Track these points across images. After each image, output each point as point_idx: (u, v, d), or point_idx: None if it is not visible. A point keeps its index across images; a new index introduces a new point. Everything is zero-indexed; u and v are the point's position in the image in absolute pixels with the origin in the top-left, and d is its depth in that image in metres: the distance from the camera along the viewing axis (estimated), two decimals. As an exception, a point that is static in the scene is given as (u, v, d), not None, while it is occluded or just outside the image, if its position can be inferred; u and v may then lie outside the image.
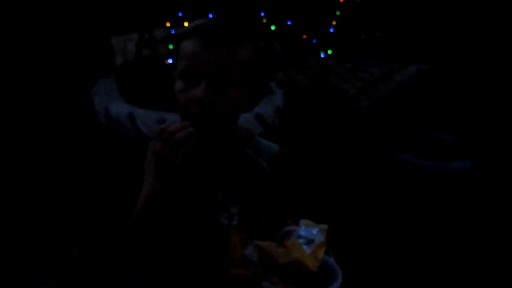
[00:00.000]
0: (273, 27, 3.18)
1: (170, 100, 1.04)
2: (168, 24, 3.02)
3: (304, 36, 3.35)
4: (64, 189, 2.52)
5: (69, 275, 2.10)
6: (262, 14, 3.17)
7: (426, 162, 2.81)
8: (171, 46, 2.93)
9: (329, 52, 3.25)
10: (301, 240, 0.90)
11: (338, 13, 3.32)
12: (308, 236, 0.91)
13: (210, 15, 2.98)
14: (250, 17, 3.16)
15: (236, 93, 0.98)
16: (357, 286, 2.06)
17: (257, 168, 1.05)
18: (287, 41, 3.45)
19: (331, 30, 3.33)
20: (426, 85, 3.60)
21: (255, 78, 1.03)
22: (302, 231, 0.92)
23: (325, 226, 0.92)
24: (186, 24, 2.89)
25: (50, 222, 2.35)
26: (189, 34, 0.98)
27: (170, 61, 2.87)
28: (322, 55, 3.21)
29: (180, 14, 2.99)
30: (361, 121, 3.19)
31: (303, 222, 0.94)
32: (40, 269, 2.12)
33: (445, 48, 3.68)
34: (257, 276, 0.88)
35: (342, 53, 3.60)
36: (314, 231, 0.91)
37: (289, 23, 3.26)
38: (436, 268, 2.25)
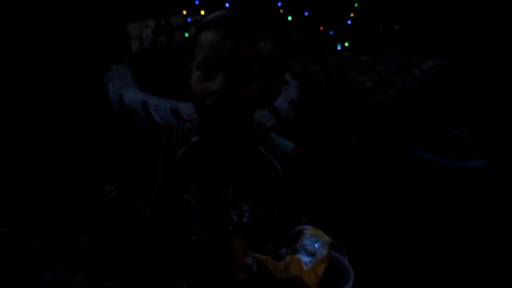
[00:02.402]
0: (290, 18, 3.08)
1: (185, 89, 0.99)
2: (184, 12, 2.95)
3: (321, 28, 3.25)
4: (74, 175, 2.49)
5: (77, 261, 2.07)
6: (279, 4, 3.08)
7: (442, 159, 2.73)
8: (187, 34, 2.85)
9: (346, 44, 3.14)
10: (302, 252, 0.86)
11: (356, 5, 3.20)
12: (310, 249, 0.87)
13: (227, 4, 2.89)
14: (267, 7, 3.06)
15: (254, 87, 0.93)
16: (368, 283, 2.00)
17: (269, 166, 1.00)
18: (303, 32, 3.36)
19: (349, 22, 3.22)
20: (444, 80, 3.48)
21: (275, 73, 0.97)
22: (307, 240, 0.88)
23: (328, 239, 0.88)
24: (202, 12, 2.81)
25: (59, 208, 2.32)
26: (209, 25, 0.93)
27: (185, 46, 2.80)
28: (339, 47, 3.11)
29: (197, 2, 2.91)
30: (376, 115, 3.10)
31: (309, 231, 0.89)
32: (47, 255, 2.09)
33: (465, 43, 3.55)
34: (258, 282, 0.86)
35: (359, 45, 3.49)
36: (317, 244, 0.87)
37: (306, 13, 3.16)
38: (449, 266, 2.17)
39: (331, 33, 3.23)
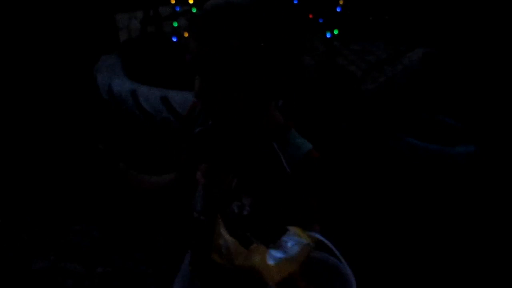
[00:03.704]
0: (279, 6, 3.09)
1: (174, 78, 0.99)
2: (173, 1, 2.95)
3: (310, 16, 3.26)
4: (65, 164, 2.50)
5: (69, 249, 2.10)
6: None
7: (430, 145, 2.77)
8: (175, 24, 2.87)
9: (336, 32, 3.16)
10: (276, 247, 0.83)
11: (345, -7, 3.23)
12: (283, 246, 0.83)
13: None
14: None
15: (252, 89, 0.91)
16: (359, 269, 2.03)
17: (277, 165, 0.96)
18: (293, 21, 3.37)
19: (338, 10, 3.24)
20: (432, 69, 3.52)
21: (274, 69, 0.93)
22: (285, 237, 0.84)
23: (307, 242, 0.84)
24: (191, 0, 2.82)
25: (51, 196, 2.34)
26: (189, 31, 0.95)
27: (174, 39, 2.81)
28: (328, 35, 3.13)
29: (185, -8, 2.92)
30: (366, 103, 3.13)
31: (293, 229, 0.85)
32: (39, 243, 2.11)
33: (453, 32, 3.59)
34: (229, 266, 0.83)
35: (348, 34, 3.51)
36: (290, 243, 0.83)
37: (295, 1, 3.17)
38: (439, 252, 2.22)
39: (320, 21, 3.25)
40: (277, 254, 0.82)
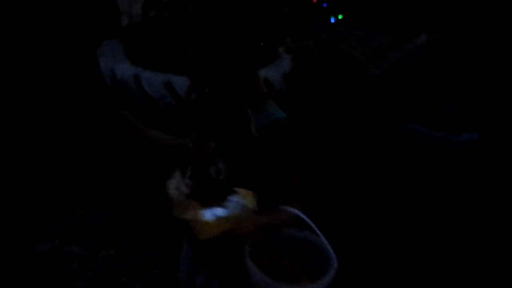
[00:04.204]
0: (282, -9, 3.08)
1: (177, 63, 1.01)
2: (175, -14, 2.93)
3: (315, 0, 3.24)
4: (70, 148, 2.52)
5: (73, 232, 2.11)
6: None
7: (435, 133, 2.76)
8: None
9: (340, 17, 3.14)
10: (215, 207, 0.85)
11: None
12: (226, 205, 0.86)
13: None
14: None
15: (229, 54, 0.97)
16: (359, 260, 2.04)
17: (247, 131, 1.00)
18: (296, 6, 3.35)
19: (342, -5, 3.22)
20: (437, 55, 3.50)
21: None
22: (231, 198, 0.87)
23: (246, 204, 0.86)
24: (193, -15, 2.80)
25: (55, 180, 2.35)
26: None
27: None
28: (333, 20, 3.11)
29: (188, -24, 2.90)
30: (370, 89, 3.12)
31: (240, 191, 0.88)
32: (44, 226, 2.13)
33: (457, 18, 3.56)
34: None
35: (352, 20, 3.49)
36: (232, 204, 0.86)
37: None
38: (442, 239, 2.22)
39: (324, 5, 3.23)
40: (215, 212, 0.84)
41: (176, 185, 0.92)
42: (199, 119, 1.06)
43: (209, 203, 0.86)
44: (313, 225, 0.88)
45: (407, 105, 3.02)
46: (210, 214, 0.84)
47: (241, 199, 0.86)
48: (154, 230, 2.14)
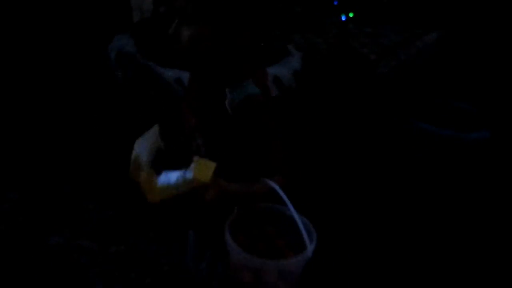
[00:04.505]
0: (293, -12, 3.07)
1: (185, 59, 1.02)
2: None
3: (325, -2, 3.23)
4: (80, 143, 2.53)
5: (84, 226, 2.13)
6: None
7: (444, 131, 2.74)
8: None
9: (351, 15, 3.13)
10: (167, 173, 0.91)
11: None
12: (177, 174, 0.90)
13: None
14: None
15: (239, 36, 0.99)
16: (364, 250, 2.05)
17: (223, 106, 1.02)
18: (306, 4, 3.34)
19: (353, -8, 3.21)
20: (447, 53, 3.48)
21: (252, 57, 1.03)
22: (187, 168, 0.91)
23: (189, 175, 0.90)
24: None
25: (66, 173, 2.37)
26: None
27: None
28: (343, 18, 3.10)
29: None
30: (379, 87, 3.11)
31: (199, 160, 0.91)
32: (55, 220, 2.15)
33: (468, 15, 3.54)
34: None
35: (362, 17, 3.48)
36: (181, 173, 0.90)
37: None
38: (450, 237, 2.22)
39: (335, 3, 3.22)
40: (165, 179, 0.91)
41: (144, 146, 0.96)
42: (188, 96, 1.10)
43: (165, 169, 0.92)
44: (284, 197, 0.91)
45: (416, 103, 3.01)
46: (160, 179, 0.90)
47: (192, 170, 0.90)
48: (162, 226, 2.16)
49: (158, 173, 0.91)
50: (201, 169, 0.90)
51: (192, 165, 0.90)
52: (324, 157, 2.58)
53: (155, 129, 0.99)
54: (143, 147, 0.96)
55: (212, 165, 0.90)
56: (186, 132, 1.09)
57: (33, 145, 2.54)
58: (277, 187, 0.91)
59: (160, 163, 0.93)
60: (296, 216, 0.89)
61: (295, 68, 2.83)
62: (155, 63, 2.57)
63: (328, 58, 3.14)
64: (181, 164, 0.91)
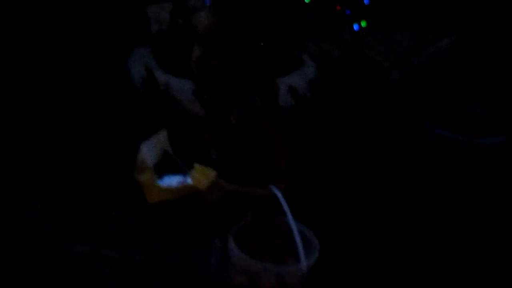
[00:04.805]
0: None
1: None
2: (202, -6, 2.98)
3: (338, 7, 3.26)
4: (103, 153, 2.57)
5: (107, 235, 2.15)
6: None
7: (459, 136, 2.75)
8: (205, 16, 2.90)
9: (363, 24, 3.16)
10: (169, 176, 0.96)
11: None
12: (178, 177, 0.97)
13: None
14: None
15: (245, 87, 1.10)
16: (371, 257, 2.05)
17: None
18: (320, 13, 3.38)
19: (366, 2, 3.24)
20: (460, 58, 3.48)
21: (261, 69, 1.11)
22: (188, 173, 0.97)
23: (187, 181, 0.96)
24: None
25: (90, 182, 2.41)
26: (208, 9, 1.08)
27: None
28: (356, 27, 3.13)
29: (214, -16, 2.94)
30: (393, 93, 3.12)
31: (196, 168, 0.98)
32: (80, 228, 2.18)
33: (479, 21, 3.54)
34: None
35: (375, 24, 3.50)
36: (180, 178, 0.97)
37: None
38: (466, 241, 2.21)
39: (347, 12, 3.25)
40: (166, 182, 0.96)
41: (150, 149, 1.00)
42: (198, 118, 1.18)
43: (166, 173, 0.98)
44: (285, 207, 0.94)
45: (430, 109, 3.01)
46: (160, 181, 0.96)
47: (191, 176, 0.97)
48: (185, 235, 2.17)
49: (161, 176, 0.97)
50: (199, 177, 0.96)
51: (192, 172, 0.92)
52: (337, 164, 2.59)
53: (163, 134, 1.02)
54: (148, 150, 1.01)
55: (210, 174, 0.97)
56: (201, 146, 1.13)
57: (57, 154, 2.59)
58: (279, 195, 0.94)
59: (165, 167, 0.95)
60: (293, 226, 0.91)
61: (310, 77, 2.87)
62: (172, 74, 2.63)
63: (342, 66, 3.17)
64: (185, 168, 0.97)
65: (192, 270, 1.99)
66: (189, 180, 0.96)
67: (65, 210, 2.26)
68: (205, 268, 1.31)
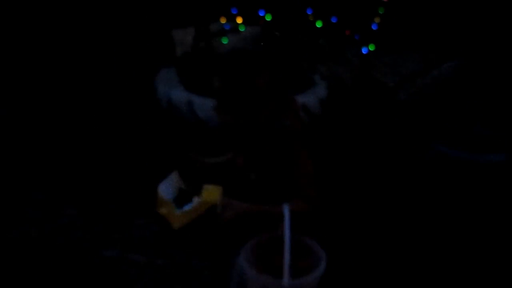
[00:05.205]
0: (319, 24, 3.18)
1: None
2: (223, 20, 3.07)
3: (348, 32, 3.33)
4: (131, 165, 2.64)
5: (133, 241, 2.21)
6: (309, 12, 3.18)
7: (462, 154, 2.75)
8: (225, 40, 2.99)
9: (371, 48, 3.22)
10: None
11: (381, 11, 3.28)
12: (193, 201, 1.04)
13: (261, 13, 3.01)
14: (297, 15, 3.17)
15: (264, 113, 1.11)
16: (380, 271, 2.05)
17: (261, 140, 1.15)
18: (331, 37, 3.45)
19: (374, 28, 3.30)
20: (463, 80, 3.50)
21: (280, 93, 1.12)
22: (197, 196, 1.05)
23: (201, 200, 1.03)
24: (239, 20, 2.94)
25: (119, 193, 2.47)
26: (213, 72, 1.15)
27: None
28: (364, 51, 3.19)
29: (234, 11, 3.04)
30: (399, 113, 3.14)
31: (206, 188, 1.04)
32: (108, 234, 2.24)
33: (482, 45, 3.56)
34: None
35: (381, 47, 3.55)
36: (193, 200, 1.04)
37: (333, 20, 3.24)
38: (470, 256, 2.21)
39: (356, 37, 3.32)
40: (181, 208, 1.04)
41: (166, 187, 1.10)
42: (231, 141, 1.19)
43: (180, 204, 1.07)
44: (287, 225, 0.96)
45: (434, 128, 3.02)
46: (178, 209, 1.05)
47: (201, 197, 1.04)
48: (204, 241, 2.21)
49: (179, 207, 1.06)
50: (209, 193, 1.04)
51: (202, 191, 1.03)
52: (346, 180, 2.61)
53: (175, 174, 1.13)
54: (165, 189, 1.11)
55: (218, 189, 1.04)
56: (237, 172, 1.16)
57: (88, 166, 2.66)
58: (286, 213, 0.96)
59: (181, 200, 1.06)
60: (287, 242, 0.93)
61: (320, 96, 2.92)
62: (195, 93, 2.71)
63: (351, 87, 3.22)
64: (196, 192, 1.05)
65: (210, 275, 2.02)
66: (200, 200, 1.03)
67: (94, 217, 2.32)
68: (224, 274, 1.34)
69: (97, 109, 2.97)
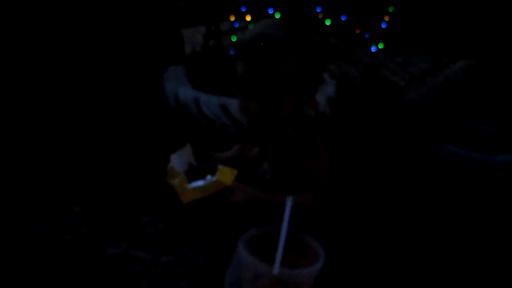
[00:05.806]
0: (328, 22, 3.04)
1: (232, 88, 1.02)
2: (232, 18, 2.97)
3: (357, 31, 3.19)
4: (137, 163, 2.57)
5: (138, 238, 2.13)
6: (319, 10, 3.06)
7: (471, 154, 2.62)
8: (234, 38, 2.88)
9: (381, 46, 3.07)
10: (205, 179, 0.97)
11: (391, 9, 3.13)
12: (205, 178, 0.96)
13: (270, 10, 2.89)
14: (307, 12, 3.04)
15: (287, 103, 1.00)
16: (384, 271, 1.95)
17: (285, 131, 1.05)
18: (340, 35, 3.32)
19: (384, 26, 3.15)
20: (473, 80, 3.35)
21: (306, 81, 1.02)
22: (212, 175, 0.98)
23: (213, 179, 0.96)
24: (248, 18, 2.82)
25: (125, 190, 2.40)
26: (238, 57, 1.01)
27: (232, 52, 2.83)
28: (374, 49, 3.04)
29: (243, 9, 2.93)
30: (408, 112, 3.02)
31: (220, 169, 0.96)
32: (113, 232, 2.16)
33: (493, 46, 3.40)
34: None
35: (391, 47, 3.41)
36: (207, 178, 0.96)
37: (343, 18, 3.11)
38: (477, 257, 2.09)
39: (366, 36, 3.17)
40: (194, 183, 0.96)
41: (179, 159, 1.01)
42: (250, 136, 1.11)
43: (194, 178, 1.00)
44: (286, 217, 0.90)
45: (444, 127, 2.90)
46: (192, 184, 0.97)
47: (215, 176, 0.97)
48: (209, 238, 2.13)
49: (190, 181, 0.98)
50: (224, 174, 0.96)
51: (217, 172, 0.95)
52: (353, 178, 2.51)
53: (188, 148, 1.05)
54: (177, 160, 1.02)
55: (234, 171, 0.96)
56: (249, 161, 1.09)
57: (96, 163, 2.60)
58: (288, 205, 0.91)
59: (192, 175, 0.98)
60: (283, 235, 0.87)
61: (329, 95, 2.79)
62: (204, 91, 2.60)
63: (360, 86, 3.08)
64: (210, 173, 0.98)
65: (214, 272, 1.94)
66: (214, 178, 0.95)
67: (101, 215, 2.25)
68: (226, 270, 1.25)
69: (105, 107, 2.90)
